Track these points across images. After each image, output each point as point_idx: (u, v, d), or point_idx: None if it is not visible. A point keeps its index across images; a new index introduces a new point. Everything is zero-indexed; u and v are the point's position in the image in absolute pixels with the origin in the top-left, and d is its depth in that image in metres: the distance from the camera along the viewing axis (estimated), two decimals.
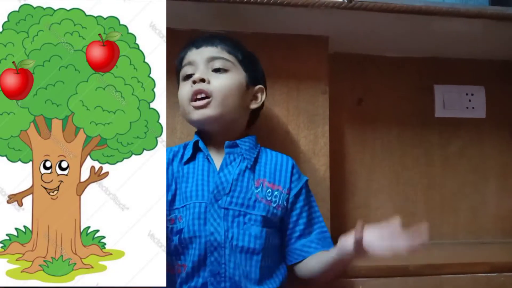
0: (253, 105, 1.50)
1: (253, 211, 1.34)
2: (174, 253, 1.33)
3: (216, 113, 1.38)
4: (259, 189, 1.37)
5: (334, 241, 1.67)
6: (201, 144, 1.42)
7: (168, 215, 1.33)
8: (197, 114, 1.38)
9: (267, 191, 1.38)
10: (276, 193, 1.39)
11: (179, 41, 1.53)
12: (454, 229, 2.04)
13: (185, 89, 1.40)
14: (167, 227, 1.32)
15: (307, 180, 1.48)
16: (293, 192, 1.42)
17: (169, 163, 1.41)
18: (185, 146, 1.46)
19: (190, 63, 1.42)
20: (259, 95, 1.50)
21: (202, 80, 1.37)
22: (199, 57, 1.41)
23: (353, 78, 2.02)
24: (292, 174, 1.44)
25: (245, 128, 1.50)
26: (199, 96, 1.37)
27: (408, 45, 1.93)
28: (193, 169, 1.40)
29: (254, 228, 1.33)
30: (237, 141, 1.42)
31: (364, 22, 1.66)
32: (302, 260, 1.40)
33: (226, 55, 1.42)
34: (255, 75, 1.50)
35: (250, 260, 1.32)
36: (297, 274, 1.42)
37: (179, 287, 1.32)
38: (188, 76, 1.41)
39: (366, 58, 2.02)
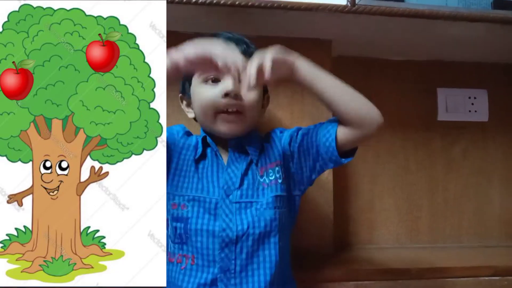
0: (261, 115, 1.51)
1: (263, 198, 1.34)
2: (177, 240, 1.32)
3: (243, 130, 1.38)
4: (264, 177, 1.37)
5: (339, 243, 1.68)
6: (209, 140, 1.40)
7: (171, 198, 1.33)
8: (226, 128, 1.35)
9: (270, 173, 1.37)
10: (277, 168, 1.38)
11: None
12: (458, 232, 2.04)
13: (211, 95, 1.35)
14: (168, 211, 1.31)
15: (297, 129, 1.44)
16: (285, 143, 1.42)
17: (178, 138, 1.41)
18: (196, 141, 1.43)
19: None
20: (265, 103, 1.51)
21: (235, 95, 1.34)
22: None
23: (356, 82, 1.97)
24: (279, 140, 1.43)
25: None
26: (229, 110, 1.34)
27: (411, 48, 1.94)
28: (203, 165, 1.38)
29: (267, 212, 1.32)
30: (242, 140, 1.40)
31: (368, 25, 1.66)
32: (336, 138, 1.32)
33: None
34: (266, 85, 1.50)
35: (268, 243, 1.32)
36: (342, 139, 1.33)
37: (177, 276, 1.31)
38: (212, 80, 1.36)
39: (370, 62, 2.02)
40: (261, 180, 1.36)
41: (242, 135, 1.40)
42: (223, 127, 1.36)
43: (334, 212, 1.72)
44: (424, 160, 2.05)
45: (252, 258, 1.30)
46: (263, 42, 1.47)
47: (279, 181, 1.37)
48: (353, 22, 1.64)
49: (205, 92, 1.37)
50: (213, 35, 1.42)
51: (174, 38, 1.50)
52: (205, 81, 1.37)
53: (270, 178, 1.37)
